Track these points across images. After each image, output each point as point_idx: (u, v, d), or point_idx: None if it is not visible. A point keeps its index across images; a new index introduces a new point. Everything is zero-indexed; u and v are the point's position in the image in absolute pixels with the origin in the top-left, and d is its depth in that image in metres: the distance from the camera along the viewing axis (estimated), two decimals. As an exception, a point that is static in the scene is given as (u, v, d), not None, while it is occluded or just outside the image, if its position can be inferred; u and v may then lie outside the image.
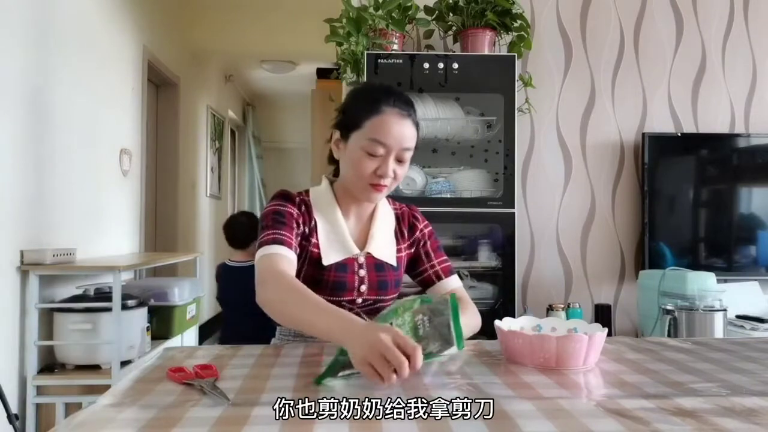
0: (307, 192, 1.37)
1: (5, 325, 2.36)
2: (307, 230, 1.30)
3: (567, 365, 0.98)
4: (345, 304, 1.31)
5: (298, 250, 1.26)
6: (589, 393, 0.89)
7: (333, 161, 1.38)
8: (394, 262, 1.36)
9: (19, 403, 2.42)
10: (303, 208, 1.32)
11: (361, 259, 1.33)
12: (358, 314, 1.33)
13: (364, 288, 1.32)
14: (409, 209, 1.45)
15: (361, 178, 1.25)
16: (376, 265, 1.34)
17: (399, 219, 1.42)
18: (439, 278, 1.39)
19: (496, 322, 1.09)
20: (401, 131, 1.24)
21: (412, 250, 1.42)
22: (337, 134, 1.31)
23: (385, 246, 1.36)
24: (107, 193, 3.28)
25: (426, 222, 1.45)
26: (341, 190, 1.35)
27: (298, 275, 1.30)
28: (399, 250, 1.39)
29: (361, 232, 1.36)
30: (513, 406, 0.78)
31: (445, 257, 1.43)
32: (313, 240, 1.30)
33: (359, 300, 1.33)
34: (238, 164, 7.29)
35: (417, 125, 1.29)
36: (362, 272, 1.32)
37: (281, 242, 1.21)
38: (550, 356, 0.98)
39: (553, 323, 1.14)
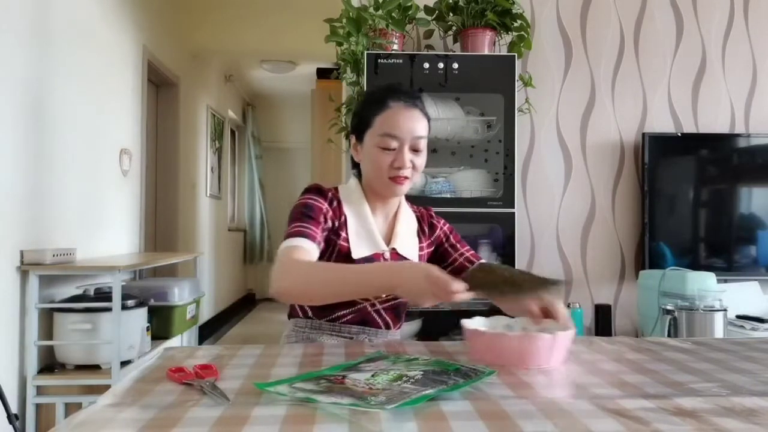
0: (336, 189, 1.41)
1: (5, 325, 2.36)
2: (336, 224, 1.34)
3: (528, 365, 0.99)
4: (368, 299, 1.35)
5: (322, 245, 1.28)
6: (589, 393, 0.89)
7: (355, 165, 1.43)
8: (416, 259, 1.41)
9: (19, 403, 2.42)
10: (335, 203, 1.35)
11: (387, 255, 1.37)
12: (378, 312, 1.37)
13: None
14: (426, 210, 1.52)
15: (381, 174, 1.31)
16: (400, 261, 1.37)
17: (419, 220, 1.49)
18: (471, 263, 1.46)
19: (463, 321, 1.10)
20: (410, 122, 1.29)
21: (432, 249, 1.49)
22: (353, 139, 1.38)
23: (408, 243, 1.41)
24: (107, 193, 3.28)
25: (444, 220, 1.53)
26: (367, 189, 1.40)
27: None
28: (421, 248, 1.45)
29: (387, 229, 1.41)
30: (513, 406, 0.78)
31: (468, 246, 1.51)
32: (343, 234, 1.34)
33: (382, 295, 1.35)
34: (238, 164, 7.29)
35: (426, 114, 1.34)
36: None
37: (306, 235, 1.23)
38: (511, 355, 0.99)
39: (525, 323, 1.16)
